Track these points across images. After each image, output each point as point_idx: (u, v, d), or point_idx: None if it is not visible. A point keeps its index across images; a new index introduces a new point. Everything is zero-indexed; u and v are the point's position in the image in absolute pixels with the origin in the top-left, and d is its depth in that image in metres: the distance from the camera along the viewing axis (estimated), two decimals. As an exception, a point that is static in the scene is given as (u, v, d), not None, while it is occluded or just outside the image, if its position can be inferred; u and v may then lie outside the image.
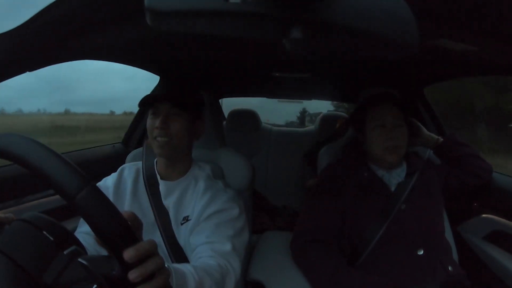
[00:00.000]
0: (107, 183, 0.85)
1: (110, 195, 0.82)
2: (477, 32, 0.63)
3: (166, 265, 0.51)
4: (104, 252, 0.75)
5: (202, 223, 0.77)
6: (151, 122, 0.81)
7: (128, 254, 0.37)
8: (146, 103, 0.81)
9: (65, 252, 0.42)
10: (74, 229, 0.79)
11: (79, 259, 0.40)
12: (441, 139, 1.10)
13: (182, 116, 0.80)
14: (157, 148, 0.79)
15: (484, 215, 1.10)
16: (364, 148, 1.05)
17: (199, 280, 0.58)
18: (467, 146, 1.08)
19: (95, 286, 0.40)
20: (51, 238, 0.42)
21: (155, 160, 0.89)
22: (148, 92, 0.96)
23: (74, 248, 0.44)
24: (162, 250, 0.78)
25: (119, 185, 0.85)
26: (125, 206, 0.81)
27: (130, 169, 0.89)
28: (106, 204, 0.38)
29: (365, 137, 1.03)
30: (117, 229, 0.38)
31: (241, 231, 0.79)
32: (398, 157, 0.98)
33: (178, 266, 0.58)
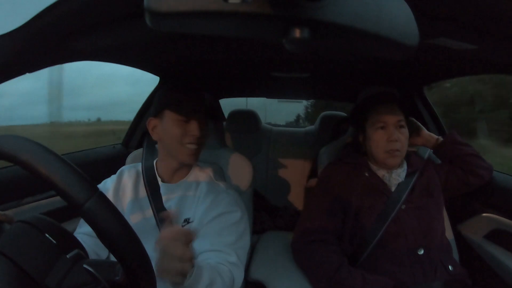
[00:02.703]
0: (106, 186, 0.85)
1: (110, 198, 0.81)
2: (476, 31, 0.63)
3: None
4: (103, 252, 0.75)
5: (205, 227, 0.77)
6: (180, 128, 0.79)
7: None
8: (178, 109, 0.80)
9: (68, 256, 0.42)
10: (74, 231, 0.79)
11: (84, 265, 0.40)
12: (441, 139, 1.10)
13: (206, 123, 0.83)
14: (187, 156, 0.80)
15: (484, 214, 1.10)
16: (364, 149, 1.05)
17: (212, 278, 0.61)
18: (468, 146, 1.07)
19: None
20: (54, 241, 0.42)
21: (155, 161, 0.89)
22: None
23: (77, 251, 0.44)
24: None
25: (119, 188, 0.85)
26: (126, 208, 0.81)
27: (129, 171, 0.88)
28: (113, 213, 0.39)
29: (365, 138, 1.03)
30: (124, 238, 0.38)
31: (243, 234, 0.79)
32: (399, 160, 0.98)
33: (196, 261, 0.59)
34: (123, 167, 0.91)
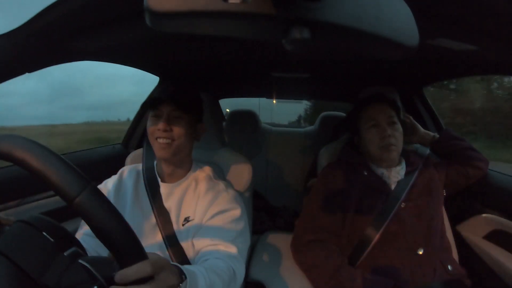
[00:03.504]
0: (107, 186, 0.85)
1: (111, 198, 0.82)
2: (476, 31, 0.64)
3: (181, 268, 0.52)
4: (105, 252, 0.75)
5: (205, 224, 0.77)
6: (152, 123, 0.80)
7: (119, 276, 0.38)
8: (149, 104, 0.81)
9: (65, 254, 0.42)
10: (74, 230, 0.79)
11: (80, 261, 0.40)
12: (437, 136, 1.11)
13: (184, 118, 0.80)
14: (158, 150, 0.79)
15: (484, 215, 1.10)
16: (361, 149, 1.06)
17: (210, 283, 0.59)
18: (463, 140, 1.10)
19: (95, 287, 0.40)
20: (51, 240, 0.42)
21: (155, 162, 0.89)
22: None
23: (74, 249, 0.44)
24: (163, 251, 0.78)
25: (120, 188, 0.85)
26: (127, 208, 0.82)
27: (130, 171, 0.89)
28: (106, 206, 0.38)
29: (360, 138, 1.04)
30: (118, 231, 0.38)
31: (243, 231, 0.79)
32: (395, 155, 0.99)
33: (190, 267, 0.58)
34: (124, 167, 0.91)
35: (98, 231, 0.37)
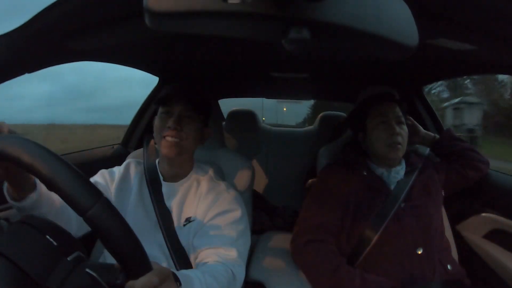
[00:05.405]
0: (113, 175, 0.85)
1: (114, 189, 0.82)
2: (476, 31, 0.64)
3: (175, 273, 0.52)
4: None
5: (206, 225, 0.77)
6: (161, 121, 0.79)
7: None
8: (161, 101, 0.81)
9: (68, 258, 0.42)
10: None
11: (87, 270, 0.40)
12: (438, 137, 1.12)
13: (194, 118, 0.80)
14: (165, 147, 0.78)
15: (484, 214, 1.10)
16: (364, 147, 1.05)
17: (205, 286, 0.59)
18: (464, 141, 1.11)
19: None
20: (55, 243, 0.42)
21: (157, 161, 0.89)
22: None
23: (77, 254, 0.44)
24: (164, 251, 0.78)
25: (125, 180, 0.85)
26: (130, 205, 0.82)
27: (136, 167, 0.88)
28: (117, 219, 0.39)
29: (365, 135, 1.03)
30: (127, 243, 0.39)
31: (244, 232, 0.79)
32: (400, 154, 0.99)
33: (186, 272, 0.58)
34: (130, 160, 0.91)
35: (108, 242, 0.38)
